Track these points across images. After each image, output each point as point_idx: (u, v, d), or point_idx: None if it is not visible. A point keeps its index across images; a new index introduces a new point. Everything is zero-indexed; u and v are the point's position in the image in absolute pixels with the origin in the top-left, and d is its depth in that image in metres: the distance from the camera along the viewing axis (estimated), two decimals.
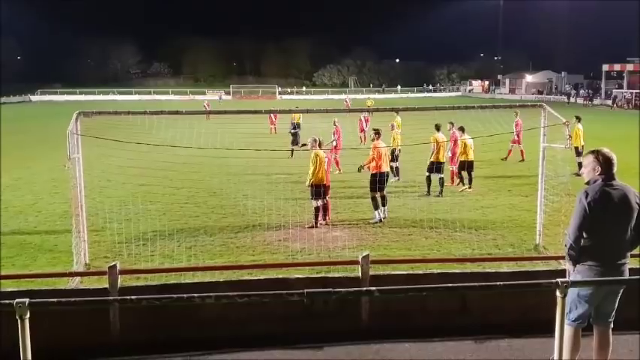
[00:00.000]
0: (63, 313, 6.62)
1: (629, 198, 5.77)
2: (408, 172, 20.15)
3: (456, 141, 18.98)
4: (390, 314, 7.51)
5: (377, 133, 15.21)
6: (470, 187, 18.46)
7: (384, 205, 14.61)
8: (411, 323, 7.56)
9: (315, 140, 14.68)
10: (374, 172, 14.60)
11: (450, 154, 19.26)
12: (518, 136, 24.74)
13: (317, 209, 14.16)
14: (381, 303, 7.49)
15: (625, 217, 5.77)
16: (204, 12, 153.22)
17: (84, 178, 10.95)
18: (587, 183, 5.87)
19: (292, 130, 28.73)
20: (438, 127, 18.73)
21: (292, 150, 25.56)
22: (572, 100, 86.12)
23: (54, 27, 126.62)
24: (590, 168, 5.88)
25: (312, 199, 14.22)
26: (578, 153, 20.90)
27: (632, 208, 5.77)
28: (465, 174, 18.74)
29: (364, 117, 32.12)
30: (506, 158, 25.09)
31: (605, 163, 5.80)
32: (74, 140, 10.35)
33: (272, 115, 35.75)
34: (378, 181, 14.42)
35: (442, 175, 17.85)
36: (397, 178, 19.80)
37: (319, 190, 14.09)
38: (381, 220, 14.28)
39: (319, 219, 14.14)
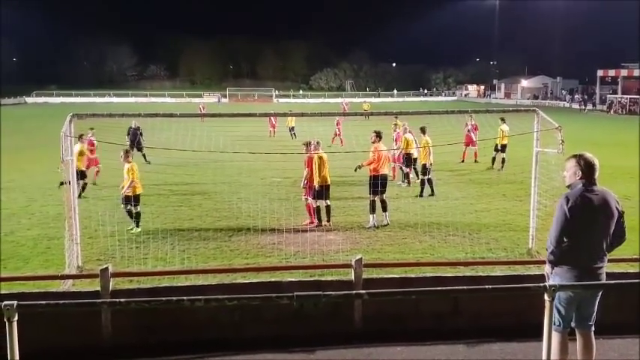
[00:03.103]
0: (55, 316, 6.61)
1: (609, 203, 5.81)
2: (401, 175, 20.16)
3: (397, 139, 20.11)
4: (383, 317, 7.52)
5: (378, 135, 15.15)
6: (408, 184, 19.67)
7: (384, 210, 14.52)
8: (403, 326, 7.58)
9: (318, 143, 14.87)
10: (372, 174, 14.57)
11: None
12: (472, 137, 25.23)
13: (318, 209, 14.36)
14: (374, 306, 7.49)
15: (605, 221, 5.81)
16: (200, 15, 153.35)
17: (77, 181, 10.92)
18: (569, 187, 5.91)
19: (132, 132, 25.30)
20: (423, 131, 18.95)
21: (143, 154, 24.66)
22: (575, 105, 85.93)
23: (50, 29, 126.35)
24: (571, 172, 5.91)
25: (315, 199, 14.34)
26: (497, 150, 23.81)
27: (612, 214, 5.81)
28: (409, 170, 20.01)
29: (336, 120, 32.50)
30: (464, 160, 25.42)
31: (587, 168, 5.83)
32: (68, 142, 10.33)
33: (272, 118, 35.88)
34: (378, 184, 14.36)
35: (428, 177, 18.23)
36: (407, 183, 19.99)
37: (323, 190, 14.31)
38: (375, 226, 14.23)
39: (322, 220, 14.37)
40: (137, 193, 13.98)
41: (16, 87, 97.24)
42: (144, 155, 24.83)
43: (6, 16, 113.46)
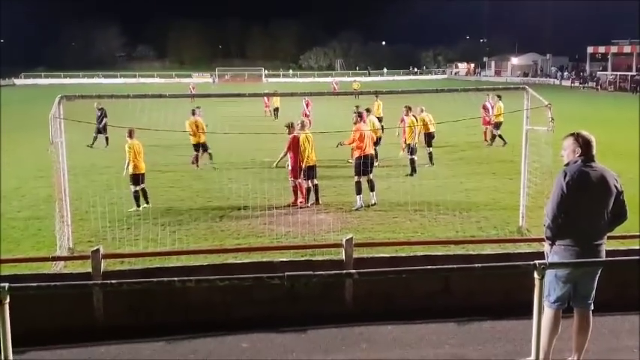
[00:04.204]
0: (47, 297, 6.61)
1: (607, 179, 5.81)
2: (392, 154, 20.17)
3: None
4: (374, 296, 7.57)
5: (359, 115, 15.20)
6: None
7: (372, 190, 14.55)
8: (394, 305, 7.62)
9: (303, 123, 15.00)
10: (357, 155, 14.55)
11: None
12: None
13: (309, 189, 14.49)
14: (365, 285, 7.53)
15: (603, 198, 5.81)
16: None
17: (67, 163, 10.87)
18: (567, 165, 5.91)
19: (99, 119, 24.28)
20: (409, 109, 19.06)
21: (95, 137, 24.14)
22: (566, 82, 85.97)
23: (37, 10, 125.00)
24: (570, 150, 5.91)
25: (305, 179, 14.45)
26: (497, 126, 24.24)
27: (610, 190, 5.81)
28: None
29: (305, 101, 31.45)
30: (487, 140, 25.31)
31: (585, 145, 5.83)
32: (57, 124, 10.27)
33: (266, 98, 35.66)
34: (362, 165, 14.33)
35: (414, 157, 18.39)
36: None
37: (311, 170, 14.43)
38: (362, 206, 14.19)
39: (304, 200, 14.52)
40: (134, 172, 14.13)
41: (3, 69, 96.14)
42: (104, 137, 24.10)
43: None
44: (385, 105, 27.80)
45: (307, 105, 31.25)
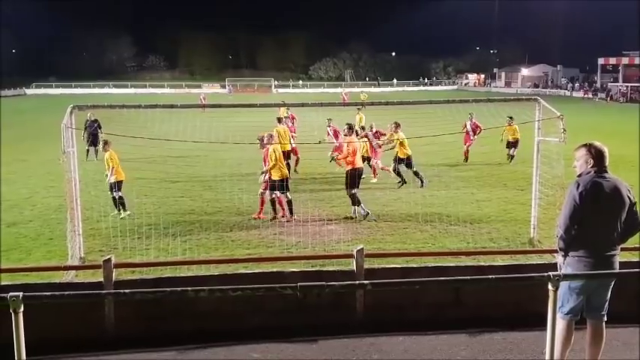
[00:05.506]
0: (58, 306, 6.62)
1: (620, 190, 5.79)
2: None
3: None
4: (385, 307, 7.54)
5: (350, 128, 15.22)
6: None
7: (356, 204, 14.33)
8: (405, 316, 7.60)
9: (271, 136, 14.95)
10: (349, 168, 14.42)
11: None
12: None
13: (273, 201, 14.18)
14: (376, 296, 7.52)
15: (616, 208, 5.78)
16: (200, 5, 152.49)
17: (79, 172, 10.92)
18: (579, 176, 5.89)
19: (90, 129, 23.79)
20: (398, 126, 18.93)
21: (88, 150, 23.35)
22: (576, 94, 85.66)
23: (49, 20, 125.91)
24: (582, 161, 5.89)
25: (272, 190, 14.10)
26: (515, 145, 23.83)
27: (624, 200, 5.78)
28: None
29: (289, 115, 30.48)
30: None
31: (598, 156, 5.82)
32: (69, 134, 10.32)
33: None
34: (357, 177, 14.27)
35: (414, 169, 18.12)
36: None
37: (276, 183, 14.06)
38: (368, 214, 14.08)
39: (284, 213, 14.19)
40: (119, 179, 14.36)
41: (15, 78, 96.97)
42: (96, 150, 22.90)
43: (5, 8, 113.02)
44: (386, 118, 27.75)
45: (292, 119, 30.81)
